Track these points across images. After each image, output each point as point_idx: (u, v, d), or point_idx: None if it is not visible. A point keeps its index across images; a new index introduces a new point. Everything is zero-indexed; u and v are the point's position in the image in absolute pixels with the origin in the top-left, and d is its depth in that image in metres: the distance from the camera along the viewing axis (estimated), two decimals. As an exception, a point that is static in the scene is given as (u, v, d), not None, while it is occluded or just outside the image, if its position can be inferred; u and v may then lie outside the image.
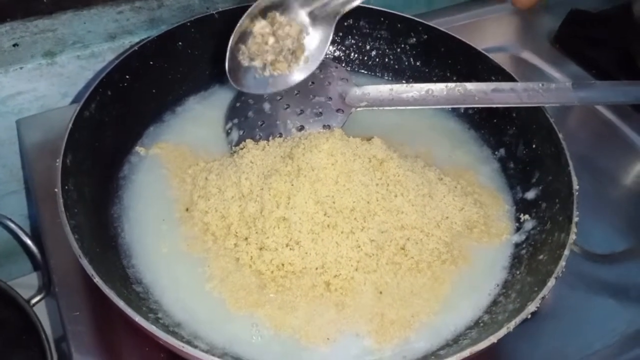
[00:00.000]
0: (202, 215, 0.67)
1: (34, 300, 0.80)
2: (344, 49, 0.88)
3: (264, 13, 0.71)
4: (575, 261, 0.67)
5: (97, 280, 0.53)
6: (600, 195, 0.83)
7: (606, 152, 0.89)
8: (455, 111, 0.83)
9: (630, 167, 0.88)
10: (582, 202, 0.63)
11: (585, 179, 0.65)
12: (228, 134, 0.77)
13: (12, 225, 0.82)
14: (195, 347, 0.52)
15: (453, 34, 0.81)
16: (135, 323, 0.51)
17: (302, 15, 0.71)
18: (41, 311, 0.82)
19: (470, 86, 0.72)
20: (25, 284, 0.94)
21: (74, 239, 0.55)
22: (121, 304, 0.52)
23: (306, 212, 0.63)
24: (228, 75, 0.71)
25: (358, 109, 0.74)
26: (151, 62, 0.76)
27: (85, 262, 0.54)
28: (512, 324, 0.53)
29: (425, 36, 0.84)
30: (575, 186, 0.64)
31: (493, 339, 0.52)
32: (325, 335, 0.59)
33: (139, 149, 0.74)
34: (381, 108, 0.74)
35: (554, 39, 1.03)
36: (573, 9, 1.02)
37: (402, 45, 0.85)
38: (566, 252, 0.59)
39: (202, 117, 0.79)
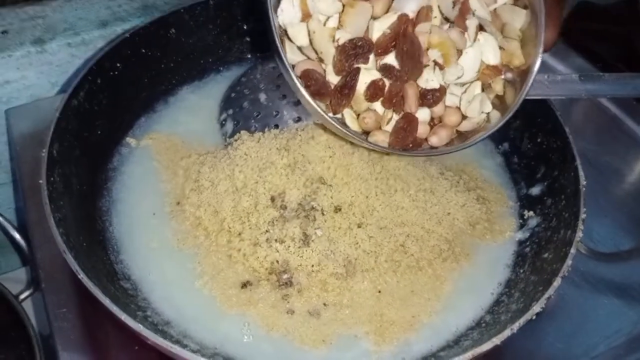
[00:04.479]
0: (194, 209, 0.65)
1: (22, 296, 0.78)
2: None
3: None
4: (580, 260, 0.65)
5: (82, 276, 0.51)
6: (605, 192, 0.81)
7: (610, 147, 0.87)
8: (457, 104, 0.81)
9: (636, 163, 0.86)
10: (587, 198, 0.61)
11: (589, 175, 0.64)
12: (222, 125, 0.75)
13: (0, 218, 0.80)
14: (185, 346, 0.51)
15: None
16: (122, 322, 0.49)
17: None
18: (29, 306, 0.80)
19: (473, 77, 0.70)
20: (15, 279, 0.93)
21: (58, 232, 0.53)
22: (107, 301, 0.50)
23: (302, 207, 0.61)
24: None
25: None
26: (143, 50, 0.74)
27: (69, 257, 0.52)
28: (515, 326, 0.51)
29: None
30: (583, 182, 0.62)
31: (496, 340, 0.51)
32: (321, 337, 0.57)
33: (129, 139, 0.72)
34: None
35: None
36: (580, 2, 1.00)
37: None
38: (572, 250, 0.57)
39: (195, 107, 0.77)
